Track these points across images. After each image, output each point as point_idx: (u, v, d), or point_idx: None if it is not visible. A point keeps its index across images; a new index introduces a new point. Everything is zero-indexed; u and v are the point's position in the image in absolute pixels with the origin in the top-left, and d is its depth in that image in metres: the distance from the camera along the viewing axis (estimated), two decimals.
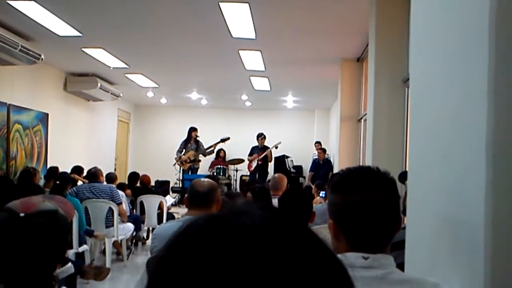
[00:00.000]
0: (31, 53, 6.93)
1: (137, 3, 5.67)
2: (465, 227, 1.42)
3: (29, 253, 1.42)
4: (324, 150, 11.47)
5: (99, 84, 9.82)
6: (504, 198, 1.26)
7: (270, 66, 8.43)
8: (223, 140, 11.88)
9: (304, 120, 14.21)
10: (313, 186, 7.45)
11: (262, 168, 12.04)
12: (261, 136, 12.25)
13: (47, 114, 8.89)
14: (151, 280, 0.56)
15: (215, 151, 12.48)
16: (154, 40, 7.21)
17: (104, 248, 6.55)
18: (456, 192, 1.51)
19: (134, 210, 7.63)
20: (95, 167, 6.82)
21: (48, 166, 8.30)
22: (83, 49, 7.70)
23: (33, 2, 5.55)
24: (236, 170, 12.98)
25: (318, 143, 12.25)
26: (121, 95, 11.11)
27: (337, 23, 6.07)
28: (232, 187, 12.36)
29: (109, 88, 10.42)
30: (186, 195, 3.15)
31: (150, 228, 7.90)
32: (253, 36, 6.58)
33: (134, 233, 7.38)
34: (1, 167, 7.47)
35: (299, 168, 13.44)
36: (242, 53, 7.60)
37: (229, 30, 6.34)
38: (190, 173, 11.52)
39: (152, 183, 9.28)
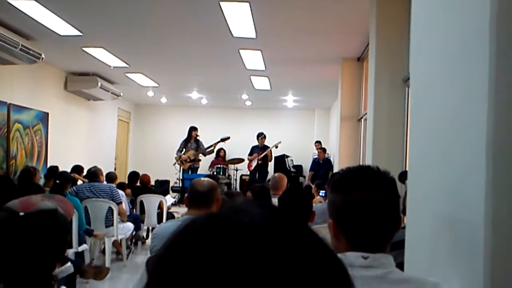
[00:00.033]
0: (31, 52, 6.93)
1: (138, 3, 5.67)
2: (465, 227, 1.42)
3: (29, 252, 1.42)
4: (324, 150, 11.47)
5: (99, 84, 9.82)
6: (504, 198, 1.26)
7: (270, 66, 8.42)
8: (223, 140, 11.87)
9: (304, 119, 14.20)
10: (313, 186, 7.45)
11: (262, 168, 12.03)
12: (261, 136, 12.24)
13: (47, 114, 8.88)
14: (151, 279, 0.56)
15: (215, 150, 12.49)
16: (155, 39, 7.21)
17: (104, 248, 6.55)
18: (456, 192, 1.51)
19: (134, 210, 7.63)
20: (95, 167, 6.82)
21: (48, 166, 8.30)
22: (83, 48, 7.70)
23: (33, 1, 5.54)
24: (236, 170, 12.98)
25: (318, 142, 12.25)
26: (121, 94, 11.11)
27: (338, 23, 6.07)
28: (232, 187, 12.34)
29: (110, 87, 10.42)
30: (186, 195, 3.14)
31: (150, 228, 7.90)
32: (253, 35, 6.57)
33: (134, 233, 7.38)
34: (1, 166, 7.47)
35: (299, 168, 13.43)
36: (242, 52, 7.60)
37: (229, 30, 6.34)
38: (190, 172, 11.51)
39: (152, 183, 9.28)
